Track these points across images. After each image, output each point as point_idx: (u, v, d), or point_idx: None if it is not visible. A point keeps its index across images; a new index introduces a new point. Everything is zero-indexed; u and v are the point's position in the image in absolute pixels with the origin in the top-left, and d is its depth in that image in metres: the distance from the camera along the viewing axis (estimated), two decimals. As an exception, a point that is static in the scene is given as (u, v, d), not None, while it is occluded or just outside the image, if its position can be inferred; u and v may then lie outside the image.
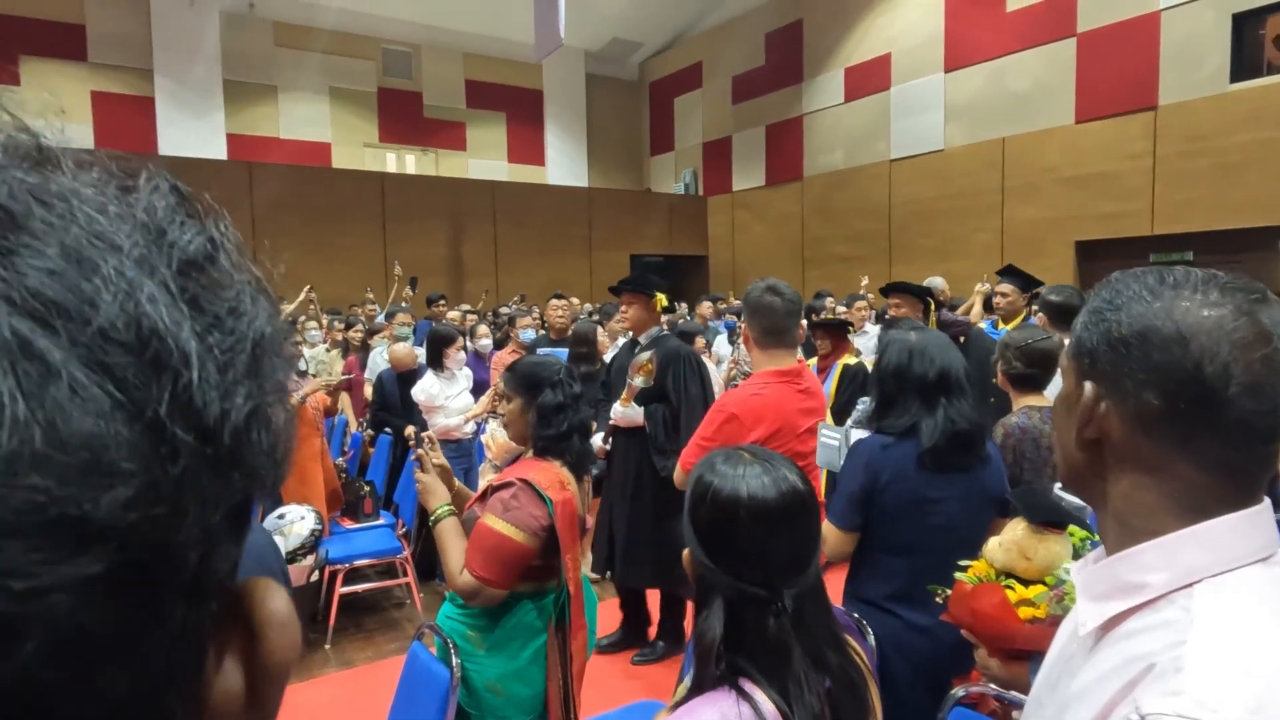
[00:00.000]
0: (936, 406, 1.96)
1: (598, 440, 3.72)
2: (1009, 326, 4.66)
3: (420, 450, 2.24)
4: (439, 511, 2.13)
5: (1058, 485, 2.16)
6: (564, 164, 16.86)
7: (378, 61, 14.92)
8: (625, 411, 3.60)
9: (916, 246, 12.04)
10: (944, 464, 1.92)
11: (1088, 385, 0.78)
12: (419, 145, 15.49)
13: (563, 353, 5.31)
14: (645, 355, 3.63)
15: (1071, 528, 1.54)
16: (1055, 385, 2.84)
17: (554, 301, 5.61)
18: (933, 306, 4.55)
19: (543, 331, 6.05)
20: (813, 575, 1.18)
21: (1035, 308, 5.25)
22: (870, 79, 12.67)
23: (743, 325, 2.56)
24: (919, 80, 11.93)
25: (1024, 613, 1.40)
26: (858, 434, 2.51)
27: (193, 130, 12.81)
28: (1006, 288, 4.95)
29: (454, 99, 15.76)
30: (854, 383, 4.47)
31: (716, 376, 6.42)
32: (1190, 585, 0.71)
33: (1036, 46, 10.49)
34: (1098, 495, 0.80)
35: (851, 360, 4.69)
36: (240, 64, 13.47)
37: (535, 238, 14.25)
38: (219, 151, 12.96)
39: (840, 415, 4.04)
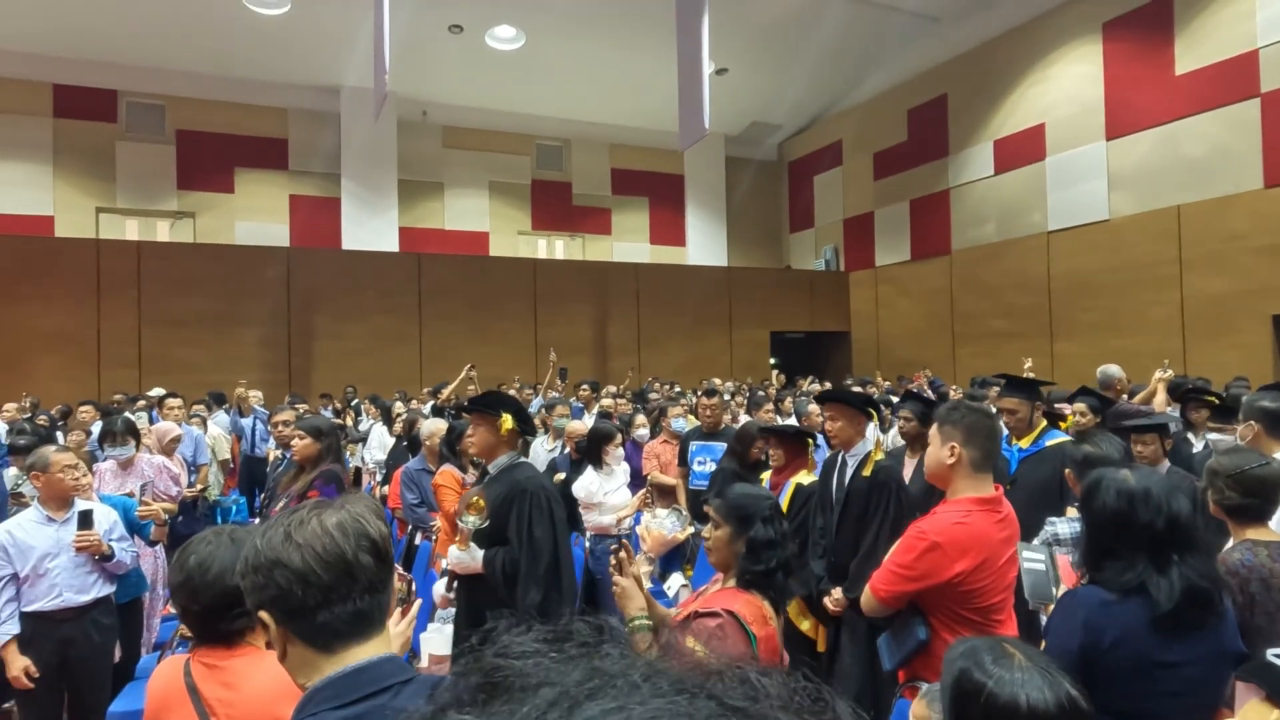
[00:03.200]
0: (1168, 564, 1.74)
1: (440, 587, 3.19)
2: (1023, 443, 3.91)
3: (620, 555, 2.30)
4: (637, 622, 2.18)
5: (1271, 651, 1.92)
6: (704, 244, 17.25)
7: (532, 156, 16.05)
8: (460, 556, 3.00)
9: (1081, 321, 11.31)
10: (1182, 626, 1.73)
11: None
12: (567, 231, 16.39)
13: (716, 447, 5.37)
14: (474, 490, 3.17)
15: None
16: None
17: (704, 400, 5.67)
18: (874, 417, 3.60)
19: (695, 422, 6.11)
20: None
21: (1045, 422, 4.26)
22: (1023, 150, 12.26)
23: (955, 447, 2.30)
24: (1078, 149, 11.41)
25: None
26: (1063, 560, 2.35)
27: (371, 226, 14.20)
28: (1012, 402, 3.95)
29: (600, 186, 16.64)
30: (805, 508, 3.66)
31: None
32: None
33: (1213, 109, 9.82)
34: None
35: (807, 479, 3.80)
36: (413, 165, 14.90)
37: (677, 317, 14.57)
38: (392, 244, 14.25)
39: None
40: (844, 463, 3.54)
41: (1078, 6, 11.40)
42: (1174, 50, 10.23)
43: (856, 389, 8.65)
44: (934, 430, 2.39)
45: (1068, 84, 11.57)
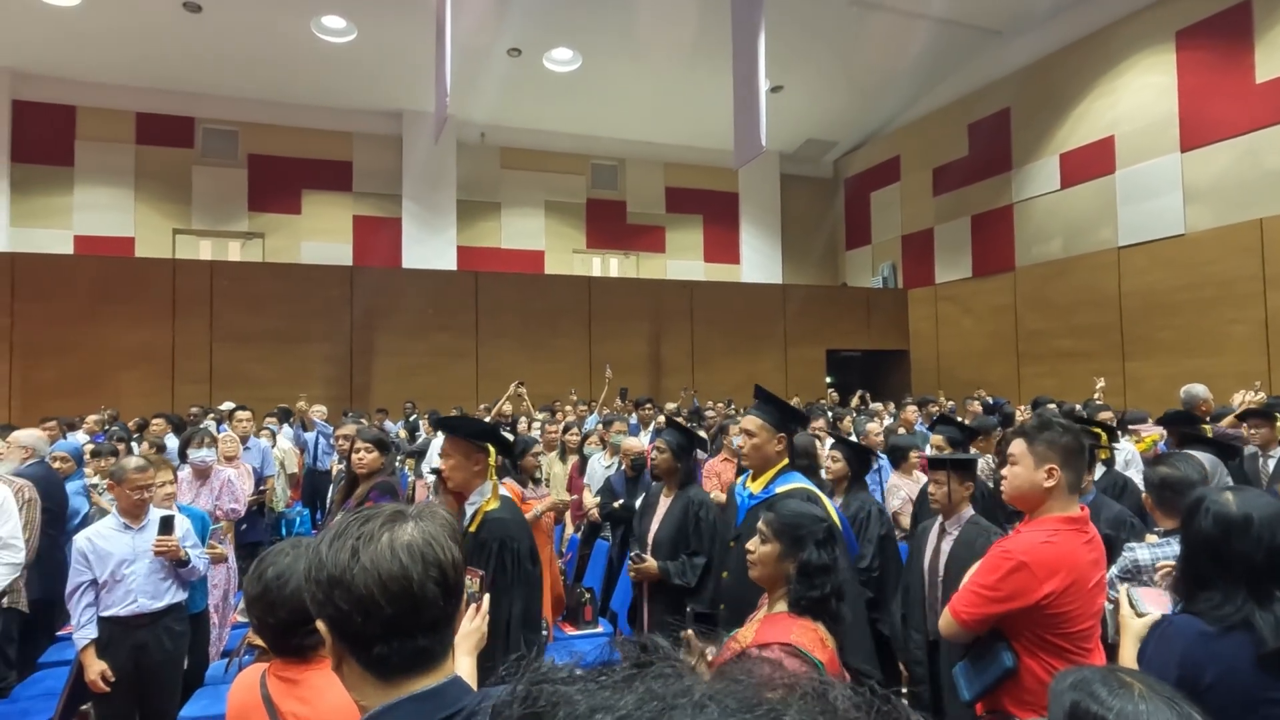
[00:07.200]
0: (1270, 599, 1.60)
1: None
2: (754, 487, 2.99)
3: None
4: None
5: None
6: (758, 261, 17.15)
7: (587, 175, 16.23)
8: None
9: (1155, 340, 10.85)
10: None
11: None
12: (622, 249, 16.48)
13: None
14: None
15: None
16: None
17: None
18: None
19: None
20: None
21: (786, 459, 3.60)
22: (1091, 163, 11.88)
23: (1054, 469, 2.16)
24: (1150, 162, 11.00)
25: None
26: (1149, 593, 2.20)
27: (430, 245, 14.52)
28: (753, 423, 2.98)
29: (655, 205, 16.71)
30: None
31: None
32: None
33: (1298, 118, 9.36)
34: None
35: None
36: (471, 185, 15.21)
37: (731, 334, 14.47)
38: (450, 263, 14.54)
39: None
40: (463, 513, 2.84)
41: (1148, 16, 11.04)
42: (1254, 57, 9.81)
43: (913, 408, 8.42)
44: (1023, 449, 2.23)
45: (1138, 95, 11.19)
